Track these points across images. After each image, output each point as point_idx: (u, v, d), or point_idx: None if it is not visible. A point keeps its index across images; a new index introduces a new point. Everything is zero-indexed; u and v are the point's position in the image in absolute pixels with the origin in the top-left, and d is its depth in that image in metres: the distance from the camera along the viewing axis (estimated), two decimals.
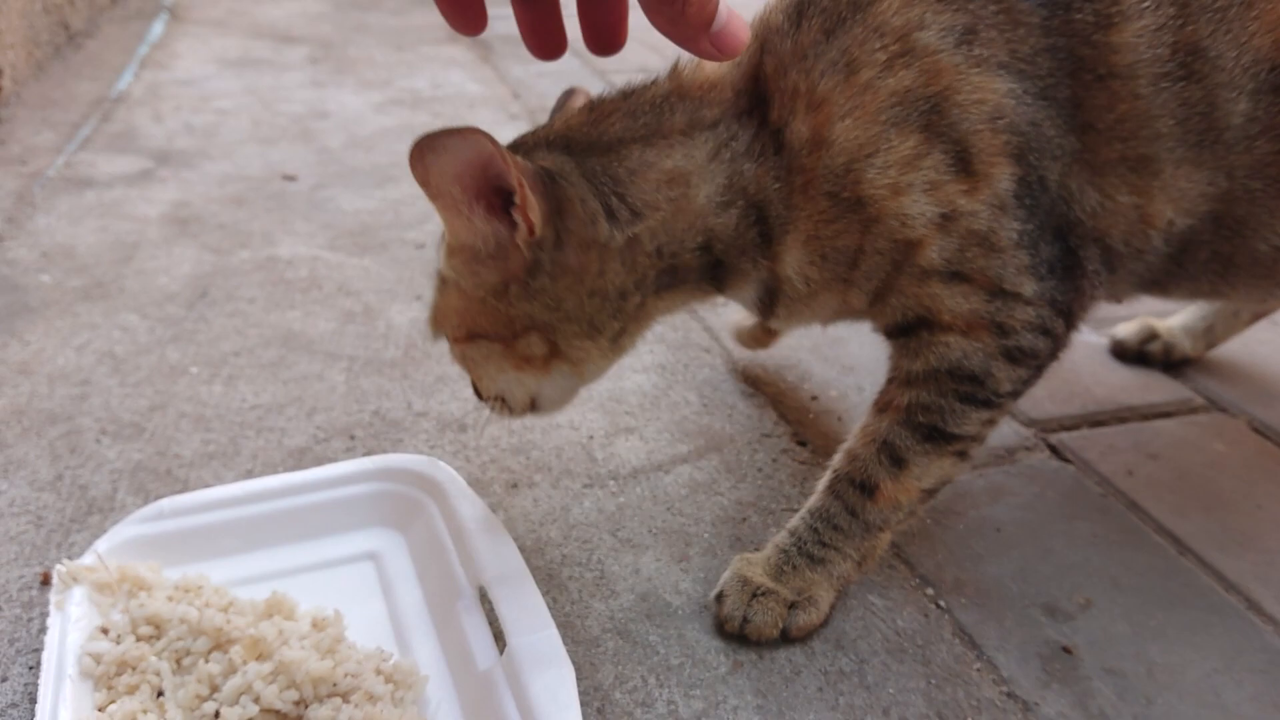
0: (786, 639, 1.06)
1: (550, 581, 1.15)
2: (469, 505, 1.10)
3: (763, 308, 1.07)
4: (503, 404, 1.07)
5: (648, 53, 3.82)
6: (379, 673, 0.90)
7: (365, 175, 2.47)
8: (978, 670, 1.06)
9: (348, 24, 4.24)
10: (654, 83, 1.03)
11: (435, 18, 4.37)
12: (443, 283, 1.03)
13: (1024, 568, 1.20)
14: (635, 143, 0.97)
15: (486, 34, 3.82)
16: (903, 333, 1.04)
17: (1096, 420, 1.52)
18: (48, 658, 0.91)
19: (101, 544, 1.06)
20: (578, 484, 1.33)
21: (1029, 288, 0.97)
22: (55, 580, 1.01)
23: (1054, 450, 1.45)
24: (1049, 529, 1.26)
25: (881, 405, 1.07)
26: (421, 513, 1.13)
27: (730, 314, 1.81)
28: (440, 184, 0.90)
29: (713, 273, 1.02)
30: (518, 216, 0.91)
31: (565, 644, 0.94)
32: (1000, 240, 0.95)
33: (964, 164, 0.93)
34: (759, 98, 0.97)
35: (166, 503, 1.12)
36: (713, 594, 1.10)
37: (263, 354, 1.63)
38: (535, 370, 1.02)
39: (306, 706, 0.86)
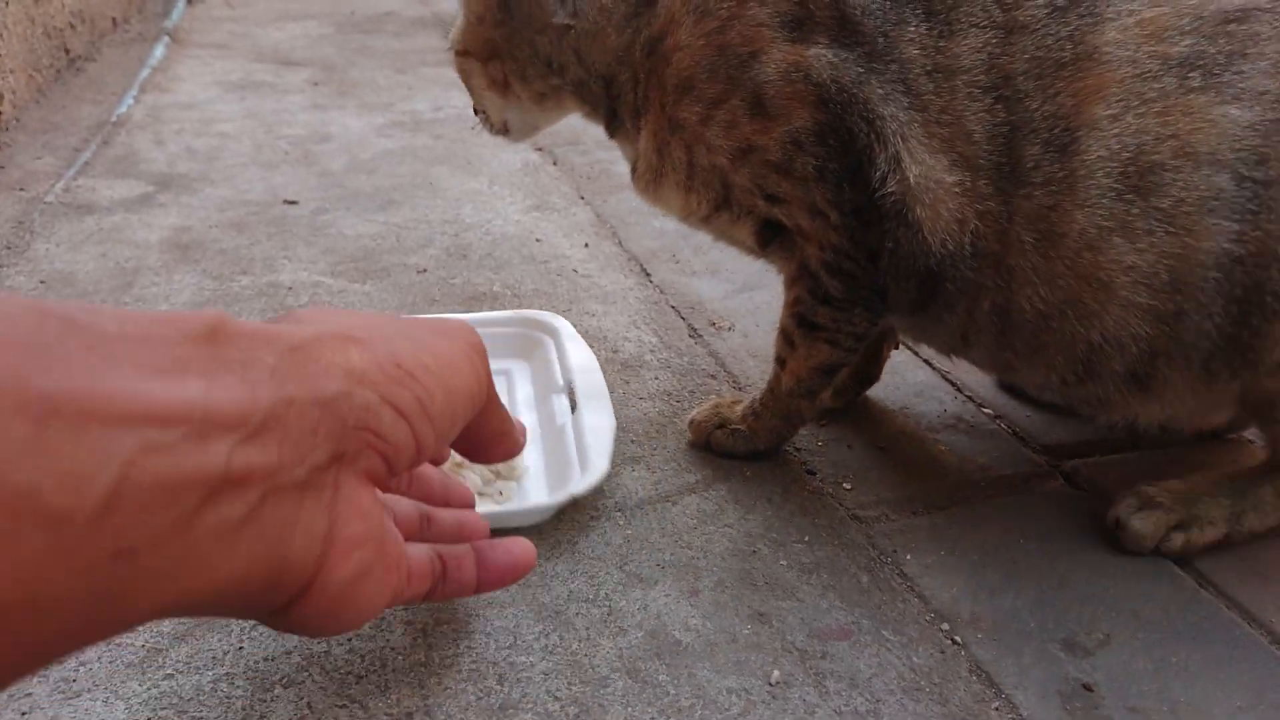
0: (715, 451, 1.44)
1: (557, 619, 1.13)
2: (571, 340, 1.57)
3: (632, 171, 1.37)
4: (485, 118, 1.42)
5: None
6: None
7: (367, 199, 2.46)
8: (996, 709, 1.03)
9: (350, 46, 4.24)
10: None
11: (436, 39, 4.38)
12: (462, 5, 1.36)
13: (1040, 600, 1.17)
14: None
15: None
16: (768, 240, 1.29)
17: (1111, 447, 1.50)
18: None
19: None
20: (584, 516, 1.31)
21: (834, 215, 1.19)
22: None
23: (1067, 478, 1.42)
24: (1064, 560, 1.24)
25: (784, 309, 1.34)
26: (541, 346, 1.61)
27: (737, 341, 1.79)
28: None
29: (610, 114, 1.35)
30: None
31: (573, 684, 0.91)
32: (798, 170, 1.19)
33: (760, 108, 1.18)
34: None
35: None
36: (689, 417, 1.47)
37: None
38: (495, 92, 1.37)
39: None
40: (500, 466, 1.36)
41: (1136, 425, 1.28)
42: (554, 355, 1.58)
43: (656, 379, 1.67)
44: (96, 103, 3.20)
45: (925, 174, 1.16)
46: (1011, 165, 1.13)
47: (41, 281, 1.94)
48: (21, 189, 2.42)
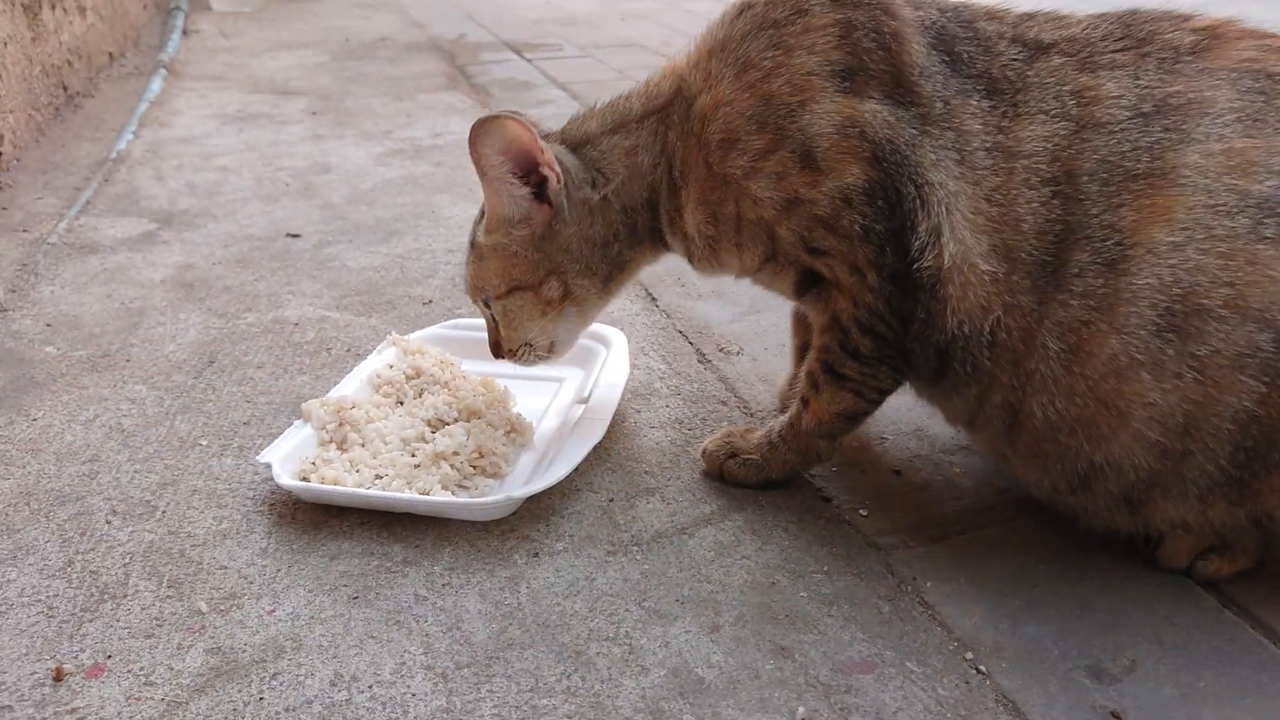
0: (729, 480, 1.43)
1: (578, 659, 1.12)
2: (617, 355, 1.69)
3: (688, 257, 1.39)
4: (529, 348, 1.44)
5: None
6: (509, 421, 1.52)
7: (369, 230, 2.46)
8: None
9: (345, 74, 4.25)
10: (632, 89, 1.40)
11: (432, 64, 4.39)
12: (480, 257, 1.39)
13: (1063, 627, 1.16)
14: (605, 133, 1.37)
15: (485, 79, 3.84)
16: (806, 289, 1.30)
17: None
18: (359, 369, 1.65)
19: (418, 333, 1.79)
20: (600, 551, 1.30)
21: (872, 276, 1.19)
22: (384, 340, 1.73)
23: None
24: (1085, 583, 1.23)
25: (812, 352, 1.33)
26: (595, 357, 1.71)
27: (746, 365, 1.78)
28: (490, 157, 1.28)
29: (656, 228, 1.38)
30: (547, 170, 1.29)
31: None
32: (844, 228, 1.18)
33: (810, 160, 1.17)
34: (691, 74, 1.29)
35: (461, 321, 1.82)
36: (701, 446, 1.47)
37: (273, 423, 1.60)
38: (553, 312, 1.39)
39: (455, 422, 1.50)
40: (485, 463, 1.41)
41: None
42: (597, 367, 1.68)
43: (667, 406, 1.66)
44: (96, 140, 3.20)
45: (963, 255, 1.14)
46: (1055, 266, 1.10)
47: (48, 324, 1.94)
48: (24, 230, 2.42)
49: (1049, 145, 1.12)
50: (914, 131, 1.16)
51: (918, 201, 1.16)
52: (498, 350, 1.46)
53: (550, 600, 1.21)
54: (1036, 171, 1.12)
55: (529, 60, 4.43)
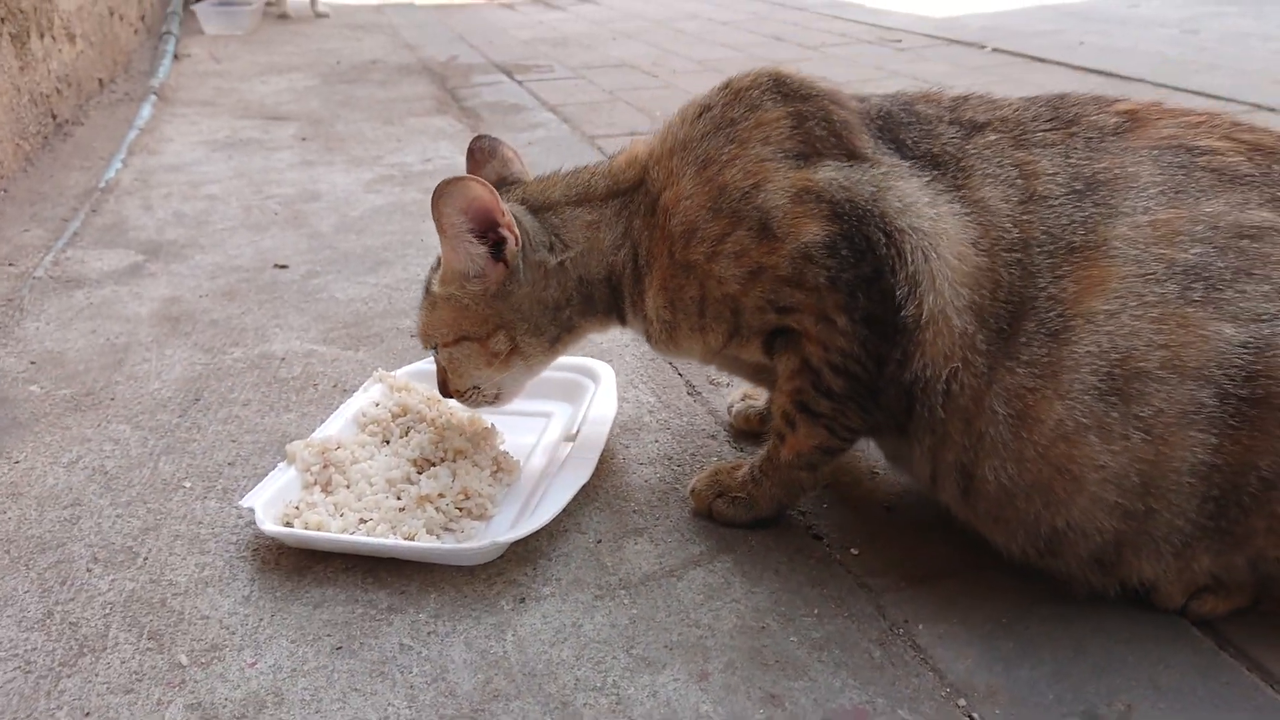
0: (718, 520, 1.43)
1: (564, 710, 1.10)
2: (605, 390, 1.67)
3: (646, 336, 1.43)
4: (477, 392, 1.45)
5: (636, 115, 3.83)
6: (495, 461, 1.50)
7: (358, 260, 2.44)
8: None
9: (335, 98, 4.24)
10: (596, 165, 1.46)
11: (422, 87, 4.39)
12: (433, 305, 1.42)
13: (1058, 670, 1.15)
14: (568, 203, 1.41)
15: (475, 102, 3.84)
16: (774, 348, 1.32)
17: None
18: (344, 406, 1.64)
19: (405, 369, 1.77)
20: (588, 594, 1.28)
21: (843, 321, 1.22)
22: (370, 377, 1.73)
23: None
24: (1079, 625, 1.21)
25: (781, 392, 1.34)
26: (583, 392, 1.70)
27: (735, 398, 1.76)
28: (451, 216, 1.31)
29: (616, 306, 1.41)
30: (506, 232, 1.32)
31: None
32: (808, 281, 1.22)
33: (767, 231, 1.23)
34: (653, 167, 1.35)
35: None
36: (689, 485, 1.46)
37: (258, 463, 1.58)
38: (499, 364, 1.41)
39: (441, 462, 1.49)
40: (470, 505, 1.40)
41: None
42: (585, 402, 1.66)
43: (656, 441, 1.65)
44: (84, 169, 3.19)
45: (940, 307, 1.16)
46: (1009, 334, 1.15)
47: (32, 362, 1.92)
48: (10, 264, 2.41)
49: (1007, 207, 1.17)
50: (872, 189, 1.21)
51: (890, 249, 1.19)
52: (445, 389, 1.48)
53: (537, 648, 1.19)
54: (1005, 231, 1.17)
55: (520, 82, 4.43)
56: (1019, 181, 1.18)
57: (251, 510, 1.35)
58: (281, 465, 1.48)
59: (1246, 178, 1.14)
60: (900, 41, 5.22)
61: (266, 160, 3.33)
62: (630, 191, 1.38)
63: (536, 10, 7.04)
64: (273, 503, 1.38)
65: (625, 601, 1.27)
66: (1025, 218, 1.16)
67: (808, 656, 1.18)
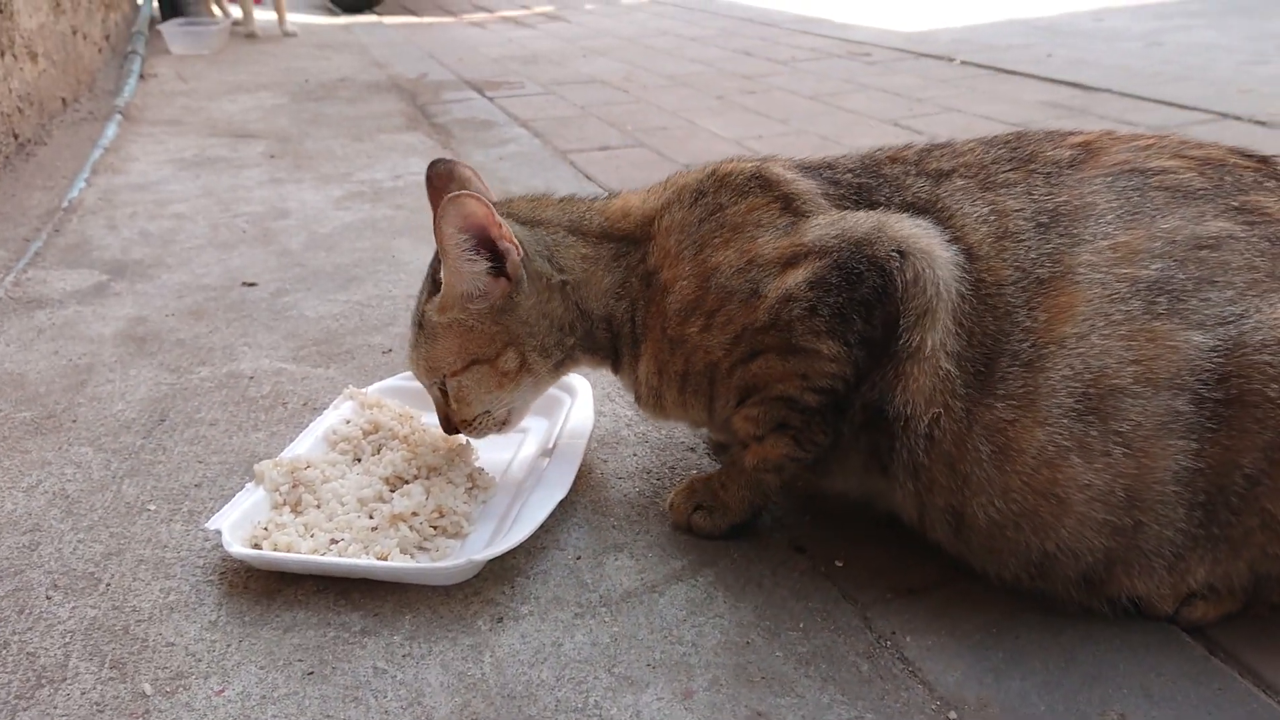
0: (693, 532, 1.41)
1: None
2: (581, 404, 1.65)
3: (635, 395, 1.45)
4: (488, 417, 1.42)
5: (607, 129, 3.81)
6: (470, 477, 1.48)
7: (328, 277, 2.40)
8: None
9: (304, 115, 4.20)
10: (586, 199, 1.49)
11: (392, 104, 4.35)
12: (432, 337, 1.38)
13: (1048, 680, 1.12)
14: (561, 227, 1.42)
15: (446, 119, 3.81)
16: (747, 404, 1.32)
17: None
18: (313, 426, 1.60)
19: (376, 385, 1.73)
20: (568, 613, 1.25)
21: (830, 346, 1.22)
22: (341, 394, 1.69)
23: None
24: (1069, 634, 1.19)
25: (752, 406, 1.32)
26: (560, 406, 1.66)
27: None
28: (452, 236, 1.28)
29: (614, 353, 1.43)
30: (506, 244, 1.31)
31: None
32: (781, 319, 1.24)
33: (755, 294, 1.25)
34: (650, 238, 1.37)
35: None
36: (668, 499, 1.44)
37: (226, 484, 1.54)
38: (510, 384, 1.39)
39: (414, 479, 1.45)
40: (445, 524, 1.37)
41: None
42: (562, 417, 1.63)
43: (635, 455, 1.62)
44: (47, 188, 3.13)
45: (934, 348, 1.17)
46: (986, 375, 1.16)
47: None
48: None
49: (986, 248, 1.19)
50: (872, 223, 1.23)
51: (903, 274, 1.19)
52: (449, 425, 1.44)
53: (515, 669, 1.16)
54: (987, 273, 1.18)
55: (490, 98, 4.40)
56: (993, 220, 1.20)
57: (218, 532, 1.31)
58: (249, 486, 1.43)
59: (1200, 191, 1.17)
60: (870, 55, 5.24)
61: (234, 178, 3.29)
62: (625, 242, 1.40)
63: (506, 28, 7.03)
64: (240, 524, 1.34)
65: (606, 619, 1.24)
66: (1001, 257, 1.18)
67: (794, 672, 1.15)
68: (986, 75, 4.56)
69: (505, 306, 1.35)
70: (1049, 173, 1.23)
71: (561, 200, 1.49)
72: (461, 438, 1.52)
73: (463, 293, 1.34)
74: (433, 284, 1.37)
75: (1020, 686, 1.12)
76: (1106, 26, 5.94)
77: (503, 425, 1.45)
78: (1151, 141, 1.25)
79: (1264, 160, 1.23)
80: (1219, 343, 1.07)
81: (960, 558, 1.26)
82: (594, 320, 1.40)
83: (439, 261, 1.36)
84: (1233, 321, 1.08)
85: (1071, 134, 1.30)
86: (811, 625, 1.22)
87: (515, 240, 1.33)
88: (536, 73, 5.08)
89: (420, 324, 1.39)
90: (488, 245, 1.32)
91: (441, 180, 1.46)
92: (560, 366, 1.43)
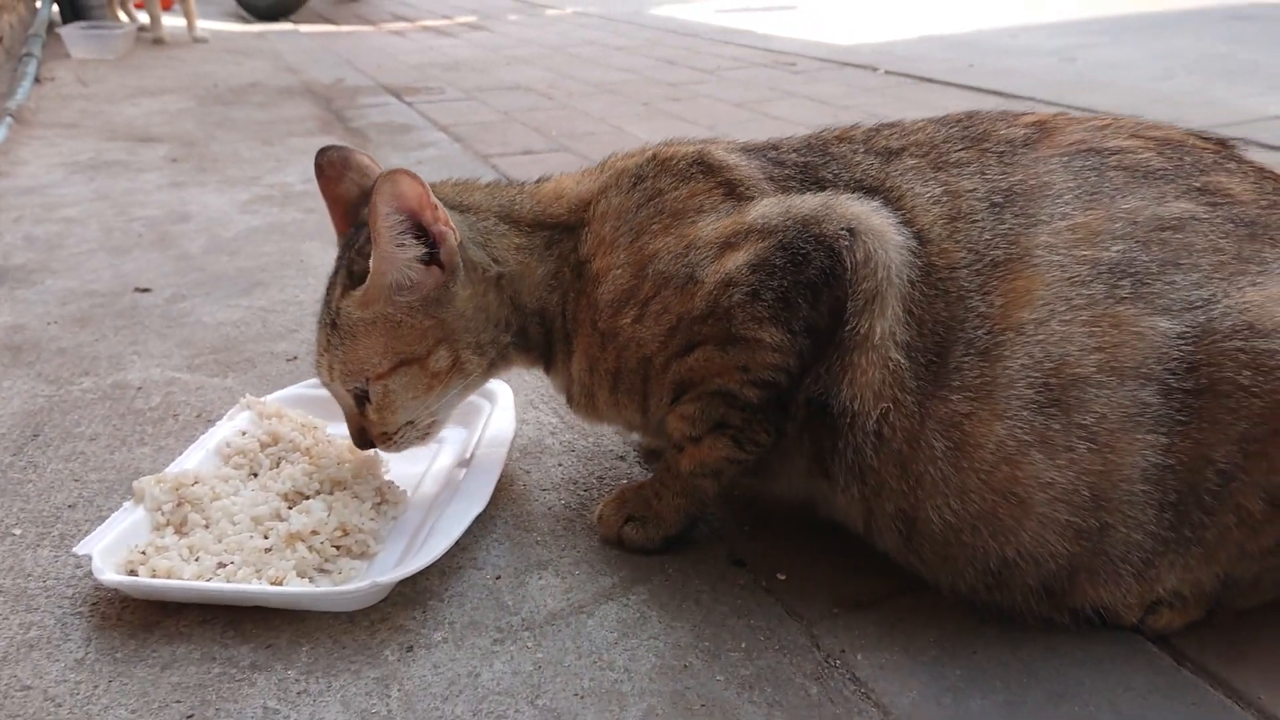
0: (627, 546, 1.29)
1: None
2: (501, 410, 1.52)
3: (567, 396, 1.34)
4: (411, 427, 1.28)
5: (531, 134, 3.70)
6: (378, 492, 1.34)
7: (230, 282, 2.24)
8: None
9: (210, 120, 4.00)
10: (516, 184, 1.38)
11: (306, 108, 4.18)
12: (351, 336, 1.23)
13: (1011, 699, 1.04)
14: (492, 213, 1.30)
15: (362, 123, 3.64)
16: (681, 401, 1.22)
17: None
18: (203, 439, 1.44)
19: (276, 394, 1.58)
20: (486, 639, 1.13)
21: (774, 334, 1.13)
22: (237, 404, 1.52)
23: None
24: (1029, 647, 1.11)
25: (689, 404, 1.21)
26: (479, 414, 1.53)
27: None
28: (386, 217, 1.14)
29: (546, 350, 1.31)
30: (442, 227, 1.19)
31: None
32: (720, 306, 1.14)
33: (690, 281, 1.15)
34: (584, 224, 1.27)
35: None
36: (595, 511, 1.33)
37: (104, 504, 1.38)
38: (439, 386, 1.25)
39: (316, 494, 1.31)
40: (349, 543, 1.24)
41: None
42: (480, 424, 1.50)
43: (560, 465, 1.50)
44: None
45: (884, 335, 1.09)
46: (938, 365, 1.08)
47: None
48: None
49: (938, 229, 1.11)
50: (819, 202, 1.15)
51: (852, 255, 1.10)
52: (363, 439, 1.29)
53: (427, 704, 1.03)
54: (939, 256, 1.11)
55: (409, 104, 4.26)
56: (945, 201, 1.13)
57: (89, 557, 1.16)
58: (127, 505, 1.28)
59: (1160, 171, 1.11)
60: (794, 65, 5.22)
61: (132, 182, 3.09)
62: (557, 229, 1.29)
63: (427, 37, 6.87)
64: (114, 548, 1.19)
65: (529, 644, 1.12)
66: (954, 239, 1.10)
67: (737, 698, 1.04)
68: (911, 84, 4.56)
69: (439, 298, 1.21)
70: (1002, 152, 1.16)
71: (488, 185, 1.37)
72: (373, 450, 1.39)
73: (392, 283, 1.19)
74: (348, 277, 1.23)
75: (981, 707, 1.03)
76: (1020, 43, 6.03)
77: (425, 437, 1.31)
78: (1108, 122, 1.19)
79: (1222, 143, 1.17)
80: (1187, 329, 1.00)
81: (910, 568, 1.17)
82: (527, 315, 1.28)
83: (354, 252, 1.23)
84: (1200, 306, 1.01)
85: (1025, 114, 1.23)
86: (754, 645, 1.12)
87: (452, 224, 1.20)
88: (458, 79, 4.94)
89: (334, 323, 1.24)
90: (420, 229, 1.18)
91: (335, 169, 1.33)
92: (493, 367, 1.30)
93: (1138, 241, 1.05)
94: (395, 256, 1.17)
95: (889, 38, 6.40)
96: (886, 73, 4.88)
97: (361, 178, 1.32)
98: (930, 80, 4.61)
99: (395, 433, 1.27)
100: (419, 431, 1.29)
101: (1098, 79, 4.62)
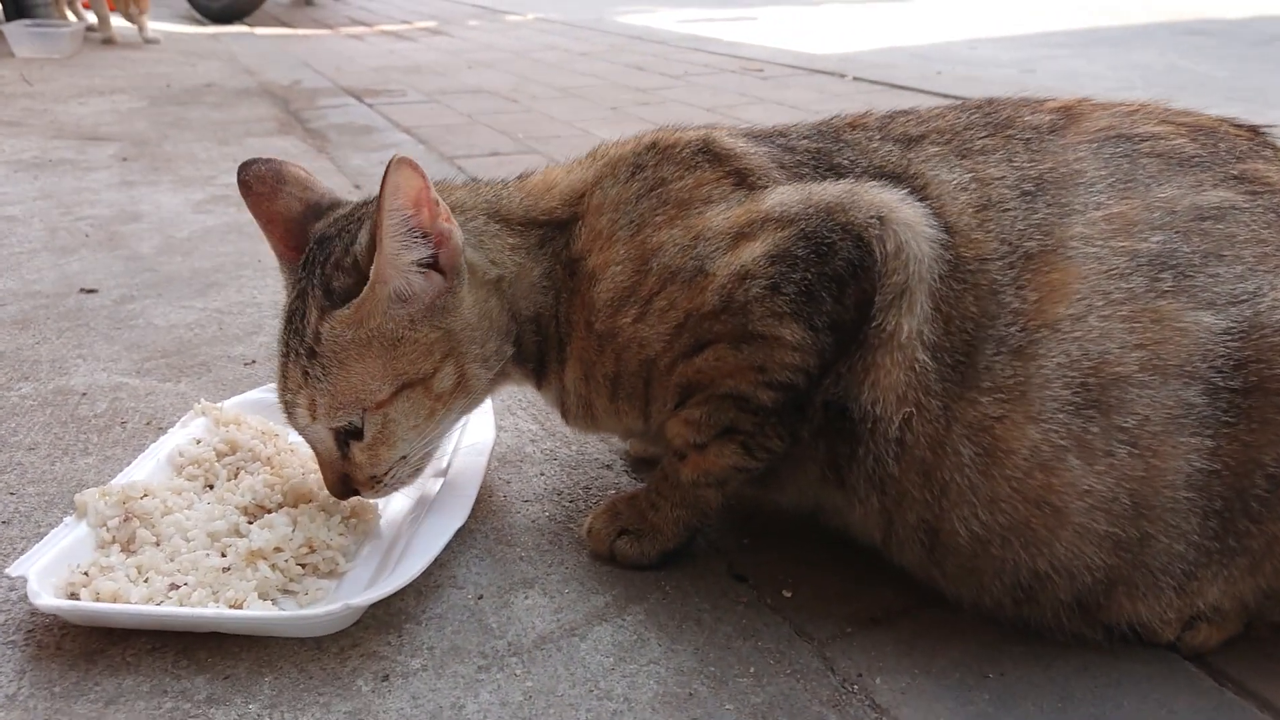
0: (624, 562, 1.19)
1: None
2: (479, 415, 1.38)
3: (562, 410, 1.23)
4: (404, 463, 1.14)
5: (497, 137, 3.60)
6: (347, 504, 1.21)
7: (183, 283, 2.12)
8: None
9: (164, 120, 3.86)
10: (498, 180, 1.26)
11: (263, 109, 4.05)
12: (340, 362, 1.07)
13: None
14: (480, 212, 1.19)
15: (321, 124, 3.52)
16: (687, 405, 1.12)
17: None
18: (154, 448, 1.32)
19: (234, 399, 1.46)
20: (470, 667, 1.03)
21: (795, 331, 1.04)
22: (190, 410, 1.41)
23: None
24: (1061, 665, 1.03)
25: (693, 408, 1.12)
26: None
27: None
28: (398, 209, 1.02)
29: (539, 361, 1.20)
30: (445, 224, 1.07)
31: None
32: (735, 301, 1.05)
33: (700, 274, 1.06)
34: (577, 218, 1.17)
35: None
36: (584, 524, 1.23)
37: (43, 520, 1.26)
38: (442, 410, 1.12)
39: (279, 508, 1.21)
40: (316, 560, 1.13)
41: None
42: (457, 433, 1.36)
43: (542, 475, 1.40)
44: None
45: (910, 334, 1.01)
46: (966, 365, 1.00)
47: None
48: None
49: (967, 219, 1.03)
50: (842, 189, 1.06)
51: (882, 245, 1.02)
52: (344, 488, 1.14)
53: None
54: (968, 247, 1.02)
55: (370, 105, 4.14)
56: (973, 188, 1.05)
57: (24, 579, 1.04)
58: (68, 520, 1.16)
59: (1195, 159, 1.04)
60: (762, 71, 5.17)
61: (79, 181, 2.95)
62: (551, 225, 1.18)
63: (386, 41, 6.75)
64: (53, 568, 1.07)
65: (517, 672, 1.02)
66: (983, 229, 1.02)
67: None
68: (880, 90, 4.52)
69: (444, 306, 1.09)
70: (1028, 139, 1.09)
71: (468, 184, 1.25)
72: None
73: (394, 292, 1.06)
74: (326, 296, 1.08)
75: None
76: (980, 55, 6.05)
77: (415, 473, 1.16)
78: (1135, 107, 1.12)
79: (1254, 130, 1.11)
80: (1233, 324, 0.93)
81: (931, 582, 1.09)
82: (523, 322, 1.16)
83: (329, 267, 1.08)
84: (1246, 300, 0.94)
85: (1048, 100, 1.16)
86: (764, 669, 1.03)
87: (453, 220, 1.08)
88: (420, 82, 4.83)
89: (313, 352, 1.07)
90: (420, 230, 1.06)
91: (266, 184, 1.19)
92: (494, 382, 1.18)
93: (1177, 232, 0.98)
94: (399, 260, 1.05)
95: (854, 48, 6.38)
96: (855, 79, 4.84)
97: (302, 191, 1.20)
98: (900, 87, 4.57)
99: (386, 473, 1.13)
100: (411, 467, 1.15)
101: (1061, 89, 4.61)
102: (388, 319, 1.07)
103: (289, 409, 1.12)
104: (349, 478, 1.13)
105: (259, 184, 1.19)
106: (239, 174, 1.21)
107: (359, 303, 1.06)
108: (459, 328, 1.10)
